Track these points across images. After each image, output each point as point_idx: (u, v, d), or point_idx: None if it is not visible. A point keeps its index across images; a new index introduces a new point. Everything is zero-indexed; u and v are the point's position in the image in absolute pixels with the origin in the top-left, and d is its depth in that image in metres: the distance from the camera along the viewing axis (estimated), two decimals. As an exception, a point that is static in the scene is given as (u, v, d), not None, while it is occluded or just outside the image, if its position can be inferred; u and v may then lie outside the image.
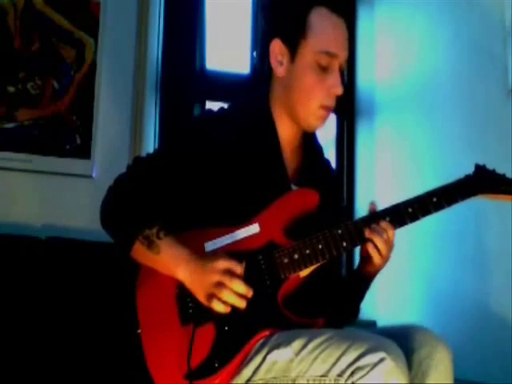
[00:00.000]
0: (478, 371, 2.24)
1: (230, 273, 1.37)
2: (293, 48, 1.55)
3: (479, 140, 2.44)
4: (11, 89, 2.68)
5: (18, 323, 2.23)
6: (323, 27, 1.54)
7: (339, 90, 1.55)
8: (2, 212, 2.59)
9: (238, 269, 1.38)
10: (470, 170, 1.55)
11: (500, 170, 1.54)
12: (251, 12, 3.16)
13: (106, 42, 2.80)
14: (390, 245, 1.48)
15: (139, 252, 1.46)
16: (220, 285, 1.36)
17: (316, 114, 1.57)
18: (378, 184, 3.13)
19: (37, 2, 2.74)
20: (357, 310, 1.66)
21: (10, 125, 2.66)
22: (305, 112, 1.57)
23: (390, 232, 1.47)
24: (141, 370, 1.41)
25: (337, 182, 1.83)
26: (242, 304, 1.36)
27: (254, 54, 3.12)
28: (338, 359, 1.25)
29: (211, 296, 1.37)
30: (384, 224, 1.47)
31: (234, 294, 1.35)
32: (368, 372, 1.21)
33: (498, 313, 2.28)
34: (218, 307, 1.36)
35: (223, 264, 1.38)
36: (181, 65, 2.94)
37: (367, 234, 1.46)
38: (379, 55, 3.20)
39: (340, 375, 1.24)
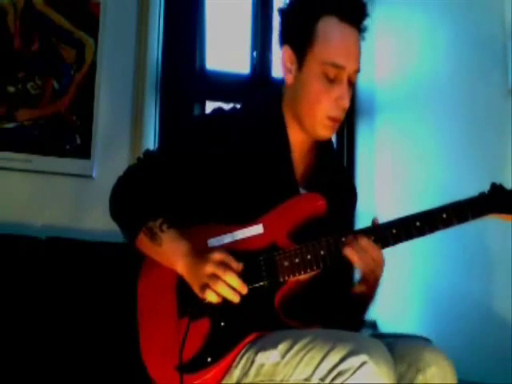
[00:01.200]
0: (478, 371, 2.23)
1: (224, 265, 1.36)
2: (300, 56, 1.53)
3: (479, 139, 2.43)
4: (11, 89, 2.68)
5: (18, 323, 2.23)
6: (331, 37, 1.50)
7: (345, 103, 1.52)
8: (1, 212, 2.58)
9: (234, 264, 1.37)
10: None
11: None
12: (251, 12, 3.16)
13: (106, 42, 2.80)
14: (373, 263, 1.44)
15: (143, 243, 1.48)
16: (214, 276, 1.36)
17: (323, 124, 1.54)
18: (378, 184, 3.12)
19: (37, 2, 2.74)
20: (359, 322, 1.64)
21: (10, 125, 2.66)
22: (311, 122, 1.55)
23: (373, 251, 1.43)
24: (138, 363, 1.41)
25: (350, 184, 1.78)
26: (235, 298, 1.36)
27: (254, 54, 3.12)
28: (320, 362, 1.23)
29: (205, 286, 1.37)
30: (364, 242, 1.42)
31: (227, 287, 1.35)
32: (349, 377, 1.19)
33: (499, 313, 2.28)
34: (211, 297, 1.36)
35: (219, 256, 1.37)
36: (181, 65, 2.94)
37: (346, 251, 1.42)
38: (379, 55, 3.20)
39: (322, 379, 1.23)
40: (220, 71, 3.10)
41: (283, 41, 1.57)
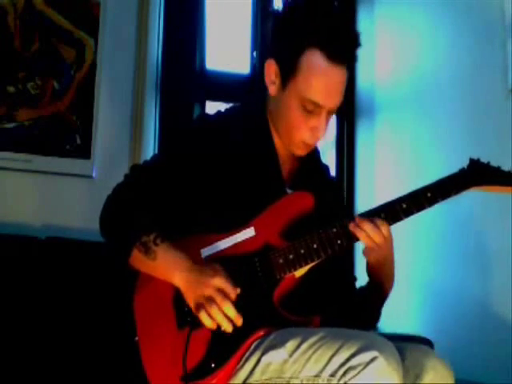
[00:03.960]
0: (478, 371, 2.24)
1: (223, 293, 1.37)
2: (284, 78, 1.53)
3: (479, 140, 2.44)
4: (11, 89, 2.68)
5: (17, 324, 2.23)
6: (312, 75, 1.48)
7: (321, 134, 1.53)
8: (1, 212, 2.59)
9: (232, 293, 1.37)
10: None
11: (492, 164, 1.54)
12: (251, 12, 3.16)
13: (106, 42, 2.80)
14: (385, 240, 1.45)
15: (137, 259, 1.47)
16: (211, 300, 1.36)
17: (298, 146, 1.57)
18: (377, 184, 3.12)
19: (37, 2, 2.74)
20: (377, 316, 1.64)
21: (10, 125, 2.66)
22: (287, 141, 1.58)
23: (383, 227, 1.45)
24: (138, 373, 1.41)
25: (335, 187, 1.83)
26: (228, 327, 1.36)
27: (254, 54, 3.12)
28: (330, 359, 1.25)
29: (200, 306, 1.37)
30: (377, 220, 1.45)
31: (222, 314, 1.36)
32: (360, 371, 1.20)
33: (499, 313, 2.28)
34: (206, 321, 1.37)
35: (219, 282, 1.38)
36: (181, 65, 2.94)
37: (351, 227, 1.44)
38: (379, 55, 3.20)
39: (332, 375, 1.24)
40: (220, 71, 3.10)
41: (271, 53, 1.56)
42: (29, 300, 2.26)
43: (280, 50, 1.54)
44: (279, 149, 1.61)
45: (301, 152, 1.59)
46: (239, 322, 1.37)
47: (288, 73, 1.51)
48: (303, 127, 1.52)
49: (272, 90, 1.57)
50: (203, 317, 1.37)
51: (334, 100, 1.52)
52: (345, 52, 1.50)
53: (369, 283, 1.59)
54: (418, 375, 1.36)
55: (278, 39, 1.57)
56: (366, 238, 1.44)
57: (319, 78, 1.48)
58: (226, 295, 1.37)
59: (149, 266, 1.46)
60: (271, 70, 1.55)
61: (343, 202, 1.82)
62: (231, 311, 1.36)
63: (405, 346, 1.40)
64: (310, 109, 1.50)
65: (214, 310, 1.35)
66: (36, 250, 2.36)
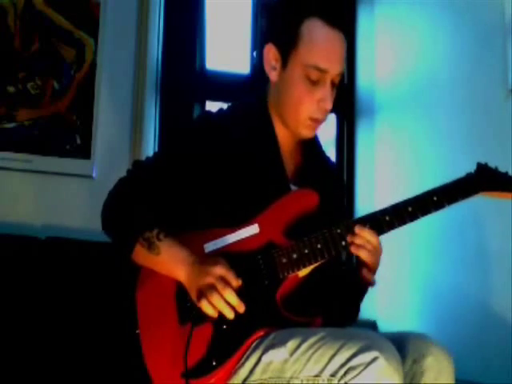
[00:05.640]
0: (478, 371, 2.24)
1: (224, 280, 1.37)
2: (284, 56, 1.55)
3: (479, 140, 2.44)
4: (11, 89, 2.68)
5: (17, 324, 2.23)
6: (314, 40, 1.51)
7: (328, 105, 1.53)
8: (1, 212, 2.59)
9: (234, 281, 1.37)
10: (470, 169, 1.55)
11: (500, 170, 1.54)
12: (251, 12, 3.16)
13: (106, 42, 2.80)
14: (375, 252, 1.47)
15: (140, 254, 1.47)
16: (212, 288, 1.36)
17: (305, 124, 1.57)
18: (377, 184, 3.13)
19: (37, 1, 2.74)
20: (356, 310, 1.66)
21: (10, 125, 2.67)
22: (294, 122, 1.57)
23: (373, 240, 1.46)
24: (139, 369, 1.41)
25: (338, 178, 1.83)
26: (230, 314, 1.36)
27: (254, 53, 3.12)
28: (330, 359, 1.25)
29: (202, 296, 1.37)
30: (366, 233, 1.45)
31: (223, 301, 1.35)
32: (360, 372, 1.21)
33: (499, 313, 2.28)
34: (207, 309, 1.36)
35: (220, 270, 1.38)
36: (181, 65, 2.94)
37: (352, 249, 1.46)
38: (379, 55, 3.20)
39: (333, 375, 1.24)
40: (220, 71, 3.10)
41: (268, 38, 1.59)
42: (29, 300, 2.26)
43: (278, 29, 1.58)
44: (283, 145, 1.61)
45: (309, 132, 1.59)
46: (241, 308, 1.36)
47: (289, 47, 1.53)
48: (309, 101, 1.53)
49: (273, 75, 1.58)
50: (204, 305, 1.36)
51: (336, 65, 1.53)
52: (341, 16, 1.55)
53: (357, 280, 1.58)
54: (416, 360, 1.36)
55: (274, 20, 1.61)
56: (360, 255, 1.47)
57: (320, 41, 1.51)
58: (227, 283, 1.36)
59: (152, 261, 1.46)
60: (270, 54, 1.57)
61: (344, 199, 1.81)
62: (233, 298, 1.35)
63: (406, 335, 1.41)
64: (314, 78, 1.51)
65: (215, 297, 1.35)
66: (36, 250, 2.36)
